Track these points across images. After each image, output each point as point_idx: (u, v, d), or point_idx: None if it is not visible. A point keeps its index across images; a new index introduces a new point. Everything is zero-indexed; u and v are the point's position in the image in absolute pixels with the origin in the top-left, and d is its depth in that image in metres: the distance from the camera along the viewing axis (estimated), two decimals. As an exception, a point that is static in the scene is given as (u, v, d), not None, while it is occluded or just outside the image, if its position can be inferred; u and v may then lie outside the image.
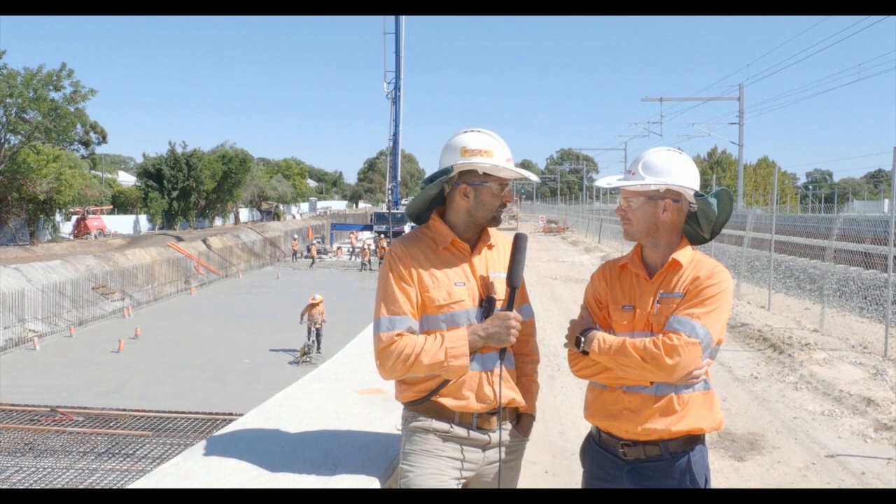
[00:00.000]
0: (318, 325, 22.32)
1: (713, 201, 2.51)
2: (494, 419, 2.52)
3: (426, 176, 2.61)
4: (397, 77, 52.07)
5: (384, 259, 2.56)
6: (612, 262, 2.67)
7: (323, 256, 55.03)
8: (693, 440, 2.44)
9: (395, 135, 54.12)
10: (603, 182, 2.84)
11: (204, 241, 46.01)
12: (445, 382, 2.46)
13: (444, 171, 2.47)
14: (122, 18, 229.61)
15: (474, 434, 2.50)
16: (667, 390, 2.39)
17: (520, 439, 2.64)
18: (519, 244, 2.54)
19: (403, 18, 51.40)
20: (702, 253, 2.56)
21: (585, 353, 2.47)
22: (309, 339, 22.34)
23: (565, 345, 2.58)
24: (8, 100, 34.40)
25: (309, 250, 52.77)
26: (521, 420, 2.65)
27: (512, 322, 2.44)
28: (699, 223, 2.59)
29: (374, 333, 2.48)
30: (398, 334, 2.42)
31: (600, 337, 2.44)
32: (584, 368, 2.52)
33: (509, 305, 2.50)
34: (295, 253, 54.10)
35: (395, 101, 52.61)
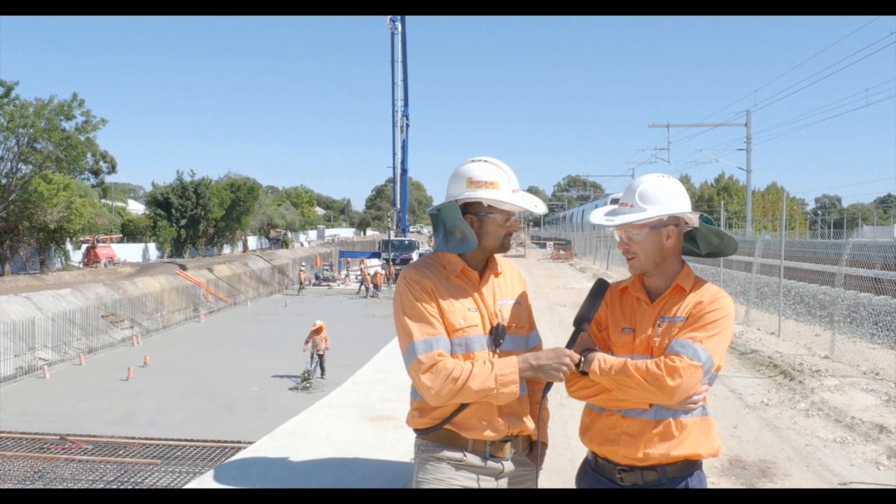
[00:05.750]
0: (320, 352, 22.45)
1: (718, 236, 2.55)
2: (507, 447, 2.51)
3: (433, 205, 2.61)
4: (394, 105, 53.24)
5: (398, 286, 2.55)
6: (613, 285, 2.66)
7: (331, 284, 55.03)
8: (691, 465, 2.43)
9: (403, 161, 54.72)
10: (601, 219, 2.55)
11: (209, 269, 46.13)
12: (460, 409, 2.43)
13: (450, 203, 2.49)
14: (133, 49, 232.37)
15: (488, 462, 2.49)
16: (665, 415, 2.38)
17: (533, 467, 2.62)
18: (599, 288, 2.54)
19: (406, 44, 52.63)
20: (703, 279, 2.55)
21: (584, 373, 2.44)
22: (311, 365, 22.43)
23: None
24: (20, 129, 34.75)
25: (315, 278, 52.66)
26: (534, 448, 2.62)
27: (566, 360, 2.39)
28: (696, 242, 2.60)
29: (408, 359, 2.42)
30: (439, 354, 2.37)
31: (601, 357, 2.42)
32: (580, 389, 2.50)
33: (569, 343, 2.48)
34: (301, 283, 52.69)
35: (393, 127, 53.69)
